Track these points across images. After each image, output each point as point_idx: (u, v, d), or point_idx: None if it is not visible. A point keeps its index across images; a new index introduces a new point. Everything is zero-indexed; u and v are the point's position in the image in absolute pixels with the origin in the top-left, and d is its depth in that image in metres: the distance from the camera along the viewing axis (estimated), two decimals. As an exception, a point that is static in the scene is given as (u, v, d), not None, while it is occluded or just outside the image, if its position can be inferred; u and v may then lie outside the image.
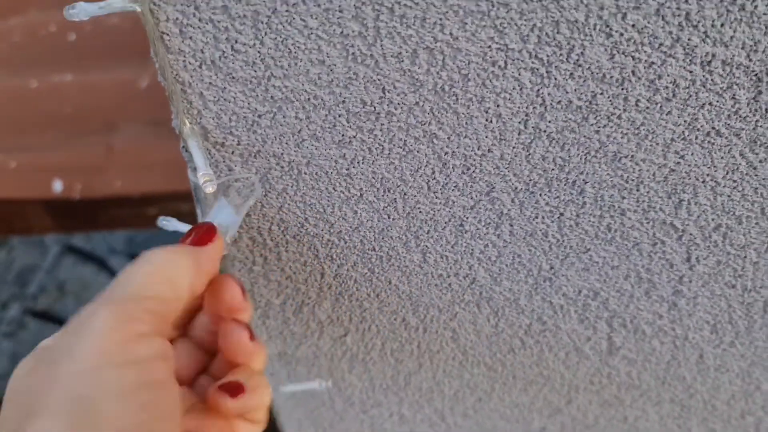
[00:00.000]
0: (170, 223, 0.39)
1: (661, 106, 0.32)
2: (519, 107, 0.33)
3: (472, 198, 0.37)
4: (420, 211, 0.38)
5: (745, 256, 0.40)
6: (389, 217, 0.38)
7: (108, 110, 1.37)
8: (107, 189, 1.24)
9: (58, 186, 1.24)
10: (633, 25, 0.29)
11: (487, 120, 0.33)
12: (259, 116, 0.34)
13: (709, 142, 0.34)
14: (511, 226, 0.39)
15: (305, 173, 0.36)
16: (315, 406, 0.54)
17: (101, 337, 0.29)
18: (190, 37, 0.31)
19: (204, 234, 0.34)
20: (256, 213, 0.39)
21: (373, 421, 0.55)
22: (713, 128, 0.33)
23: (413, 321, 0.45)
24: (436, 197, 0.37)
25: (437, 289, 0.43)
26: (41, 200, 1.28)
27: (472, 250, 0.40)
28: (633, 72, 0.31)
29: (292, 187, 0.37)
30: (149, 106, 1.37)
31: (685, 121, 0.33)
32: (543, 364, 0.48)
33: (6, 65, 1.48)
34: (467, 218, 0.38)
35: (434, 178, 0.36)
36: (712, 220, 0.37)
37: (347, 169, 0.36)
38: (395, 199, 0.37)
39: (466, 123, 0.34)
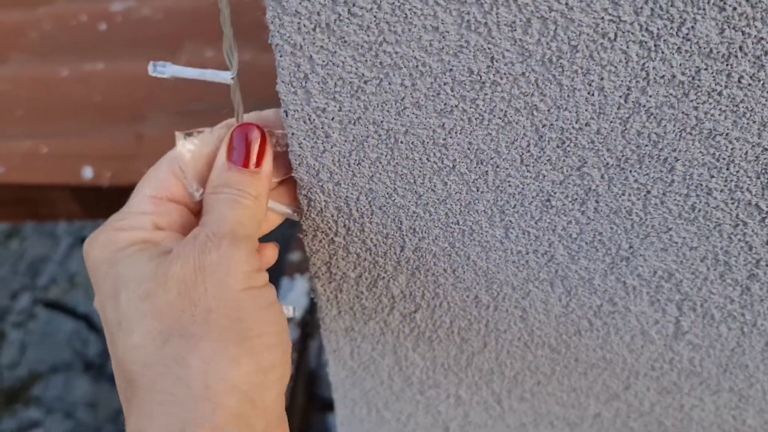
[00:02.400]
0: (166, 69, 0.39)
1: (763, 83, 0.33)
2: (622, 81, 0.33)
3: (562, 173, 0.38)
4: (509, 185, 0.39)
5: (824, 241, 0.40)
6: (478, 190, 0.39)
7: (137, 99, 1.38)
8: (136, 177, 1.26)
9: (88, 173, 1.25)
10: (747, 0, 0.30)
11: (589, 93, 0.34)
12: (365, 82, 0.34)
13: (805, 121, 0.34)
14: (597, 202, 0.39)
15: (402, 142, 0.37)
16: (372, 386, 0.54)
17: (242, 270, 0.35)
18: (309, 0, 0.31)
19: (259, 150, 0.37)
20: (345, 182, 0.39)
21: (428, 402, 0.55)
22: (812, 107, 0.34)
23: (485, 299, 0.46)
24: (528, 171, 0.38)
25: (514, 266, 0.43)
26: (70, 186, 1.29)
27: (555, 226, 0.41)
28: (740, 48, 0.32)
29: (386, 156, 0.38)
30: (178, 96, 1.38)
31: (785, 98, 0.33)
32: (607, 347, 0.49)
33: (37, 53, 1.49)
34: (555, 193, 0.39)
35: (528, 151, 0.37)
36: (798, 202, 0.38)
37: (444, 139, 0.37)
38: (487, 171, 0.38)
39: (568, 95, 0.34)
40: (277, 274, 1.59)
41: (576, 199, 0.39)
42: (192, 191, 0.38)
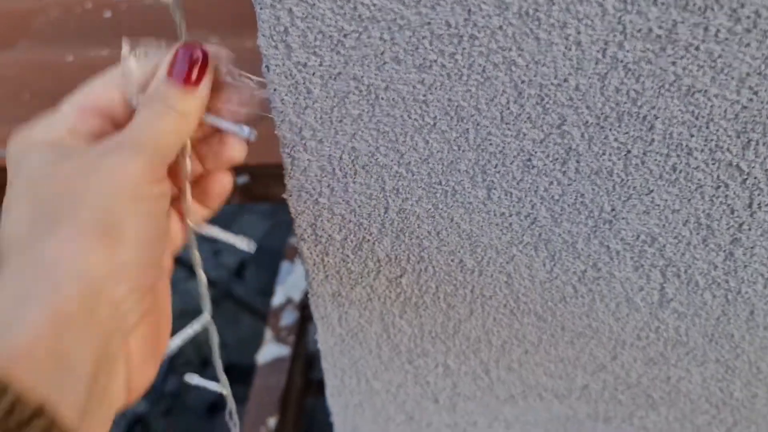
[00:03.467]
0: None
1: (740, 38, 0.33)
2: (599, 35, 0.34)
3: (542, 131, 0.38)
4: (490, 143, 0.39)
5: (806, 204, 0.40)
6: (459, 149, 0.39)
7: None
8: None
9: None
10: (721, -50, 0.30)
11: (566, 48, 0.34)
12: (345, 35, 0.35)
13: (783, 77, 0.34)
14: (578, 162, 0.39)
15: (382, 98, 0.37)
16: (361, 354, 0.55)
17: (133, 178, 0.35)
18: (287, -51, 0.32)
19: (200, 69, 0.37)
20: (328, 140, 0.39)
21: (417, 371, 0.55)
22: (789, 62, 0.34)
23: (470, 263, 0.46)
24: (508, 129, 0.38)
25: (497, 229, 0.44)
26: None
27: (537, 187, 0.41)
28: (716, 0, 0.32)
29: (367, 113, 0.38)
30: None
31: (763, 54, 0.33)
32: (593, 315, 0.49)
33: (43, 40, 1.50)
34: (535, 152, 0.39)
35: (508, 108, 0.37)
36: (778, 162, 0.38)
37: (424, 96, 0.37)
38: (467, 129, 0.38)
39: (546, 50, 0.34)
40: (276, 258, 1.59)
41: (557, 159, 0.39)
42: (131, 97, 0.39)
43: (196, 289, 0.45)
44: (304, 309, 1.18)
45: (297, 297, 1.20)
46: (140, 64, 0.39)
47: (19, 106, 1.33)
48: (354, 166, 0.41)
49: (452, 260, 0.46)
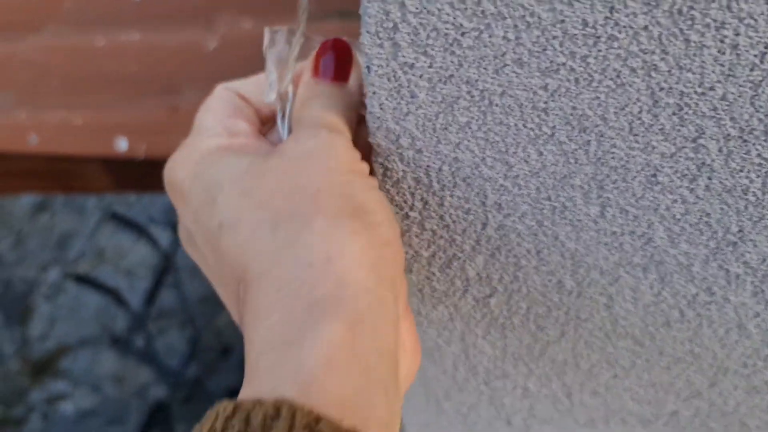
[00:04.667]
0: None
1: None
2: (761, 37, 0.29)
3: (674, 144, 0.33)
4: (613, 157, 0.34)
5: None
6: (576, 162, 0.35)
7: (173, 71, 1.34)
8: (171, 150, 1.21)
9: (123, 144, 1.22)
10: None
11: (719, 51, 0.30)
12: (463, 34, 0.30)
13: None
14: (710, 179, 0.35)
15: (497, 105, 0.33)
16: (434, 374, 0.51)
17: (350, 154, 0.34)
18: (408, -65, 0.27)
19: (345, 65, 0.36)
20: (428, 150, 0.35)
21: (493, 393, 0.51)
22: None
23: (569, 284, 0.42)
24: (636, 141, 0.34)
25: (606, 249, 0.39)
26: (103, 158, 1.26)
27: (658, 205, 0.36)
28: None
29: (477, 120, 0.34)
30: (215, 69, 1.35)
31: None
32: (697, 340, 0.44)
33: (72, 23, 1.46)
34: (663, 168, 0.35)
35: (639, 118, 0.33)
36: None
37: (545, 103, 0.32)
38: (589, 141, 0.34)
39: (695, 54, 0.30)
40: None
41: (686, 174, 0.35)
42: (270, 84, 0.38)
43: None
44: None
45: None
46: (283, 50, 0.38)
47: (48, 92, 1.30)
48: (454, 178, 0.36)
49: (550, 281, 0.42)
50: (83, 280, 1.95)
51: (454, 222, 0.39)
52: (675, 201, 0.36)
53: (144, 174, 1.21)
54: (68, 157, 1.22)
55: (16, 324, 1.99)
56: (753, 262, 0.39)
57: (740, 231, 0.37)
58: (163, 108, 1.28)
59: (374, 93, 0.33)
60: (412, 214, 0.39)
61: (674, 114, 0.32)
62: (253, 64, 0.44)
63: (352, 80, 0.37)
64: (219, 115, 0.37)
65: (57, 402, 1.74)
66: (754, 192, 0.35)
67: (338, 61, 0.36)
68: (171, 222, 1.88)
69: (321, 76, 0.36)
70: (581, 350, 0.46)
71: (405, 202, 0.38)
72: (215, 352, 1.84)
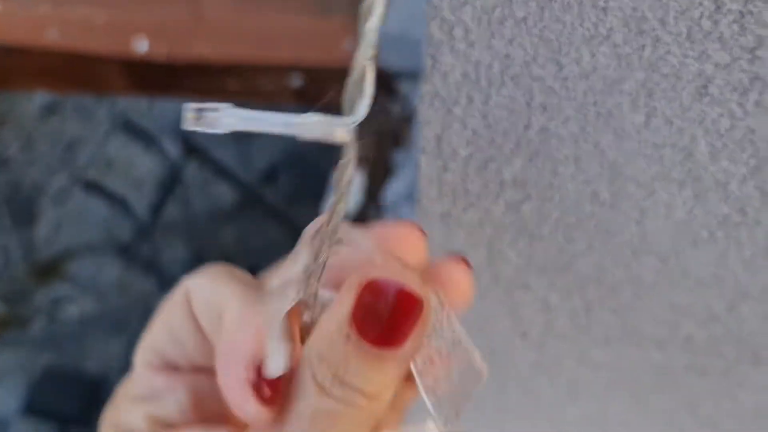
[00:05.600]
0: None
1: None
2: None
3: (731, 54, 0.33)
4: (666, 64, 0.34)
5: None
6: (629, 66, 0.35)
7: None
8: (191, 56, 1.19)
9: (143, 46, 1.21)
10: None
11: (790, -44, 0.29)
12: None
13: None
14: (761, 94, 0.35)
15: (556, 0, 0.33)
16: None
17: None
18: None
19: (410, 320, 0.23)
20: (481, 44, 0.35)
21: (513, 304, 0.52)
22: None
23: (604, 195, 0.42)
24: (692, 49, 0.33)
25: (645, 161, 0.39)
26: (122, 59, 1.25)
27: (704, 118, 0.36)
28: None
29: (534, 15, 0.33)
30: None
31: None
32: (722, 262, 0.45)
33: None
34: (715, 79, 0.35)
35: (699, 24, 0.32)
36: None
37: (605, 2, 0.32)
38: (644, 45, 0.34)
39: (765, -42, 0.30)
40: (310, 163, 1.55)
41: (737, 88, 0.35)
42: (273, 358, 0.25)
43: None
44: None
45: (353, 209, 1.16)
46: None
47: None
48: (502, 76, 0.36)
49: (584, 190, 0.42)
50: (91, 186, 1.96)
51: (496, 122, 0.39)
52: (722, 114, 0.36)
53: (161, 77, 1.20)
54: (86, 55, 1.21)
55: (23, 226, 2.01)
56: (791, 184, 0.39)
57: (784, 151, 0.37)
58: (186, 12, 1.26)
59: (433, -20, 0.33)
60: (455, 110, 0.39)
61: (735, 22, 0.32)
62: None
63: (409, 345, 0.24)
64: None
65: (62, 304, 1.77)
66: (803, 110, 0.35)
67: (398, 316, 0.23)
68: (181, 133, 1.88)
69: (364, 330, 0.23)
70: (606, 265, 0.47)
71: (450, 96, 0.38)
72: (220, 266, 1.86)
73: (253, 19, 1.10)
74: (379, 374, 0.24)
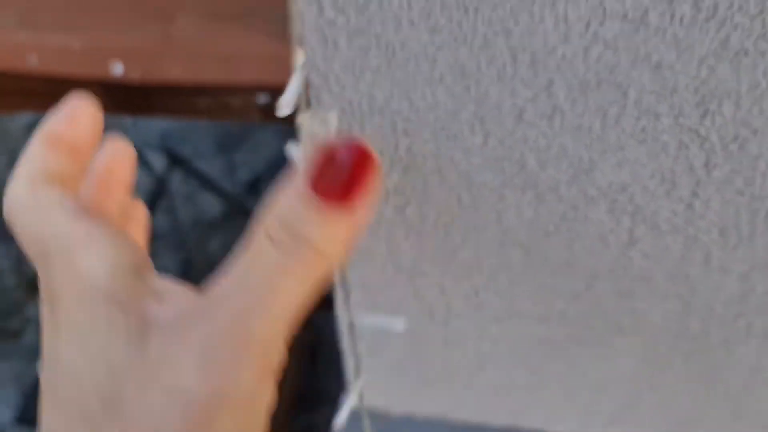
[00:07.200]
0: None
1: (701, 25, 0.39)
2: (583, 13, 0.40)
3: (532, 90, 0.45)
4: (488, 97, 0.46)
5: (756, 167, 0.47)
6: (461, 101, 0.46)
7: None
8: (164, 77, 1.30)
9: (118, 69, 1.32)
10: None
11: (555, 22, 0.41)
12: (370, 0, 0.41)
13: (737, 60, 0.41)
14: (562, 119, 0.46)
15: (398, 54, 0.44)
16: (368, 273, 0.62)
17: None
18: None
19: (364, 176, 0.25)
20: (349, 87, 0.46)
21: (416, 289, 0.63)
22: (742, 48, 0.40)
23: (466, 198, 0.53)
24: (504, 86, 0.45)
25: (491, 172, 0.51)
26: (100, 82, 1.35)
27: (526, 138, 0.48)
28: (681, -7, 0.38)
29: (384, 66, 0.45)
30: None
31: (719, 38, 0.40)
32: (570, 250, 0.56)
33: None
34: (526, 108, 0.46)
35: (504, 69, 0.44)
36: (732, 130, 0.45)
37: (434, 54, 0.43)
38: (469, 85, 0.45)
39: (538, 22, 0.41)
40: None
41: (545, 114, 0.46)
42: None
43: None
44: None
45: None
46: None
47: (47, 13, 1.38)
48: (371, 109, 0.48)
49: (451, 195, 0.53)
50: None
51: (373, 144, 0.50)
52: (539, 135, 0.47)
53: (138, 98, 1.30)
54: (67, 78, 1.31)
55: (11, 240, 2.06)
56: (603, 187, 0.50)
57: (590, 161, 0.49)
58: (157, 37, 1.37)
59: (307, 41, 0.44)
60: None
61: (529, 67, 0.43)
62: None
63: (362, 208, 0.25)
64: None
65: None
66: (595, 131, 0.46)
67: (354, 172, 0.25)
68: (166, 147, 1.95)
69: (321, 188, 0.25)
70: (482, 255, 0.58)
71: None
72: (206, 275, 1.95)
73: (220, 43, 1.21)
74: (329, 228, 0.25)
